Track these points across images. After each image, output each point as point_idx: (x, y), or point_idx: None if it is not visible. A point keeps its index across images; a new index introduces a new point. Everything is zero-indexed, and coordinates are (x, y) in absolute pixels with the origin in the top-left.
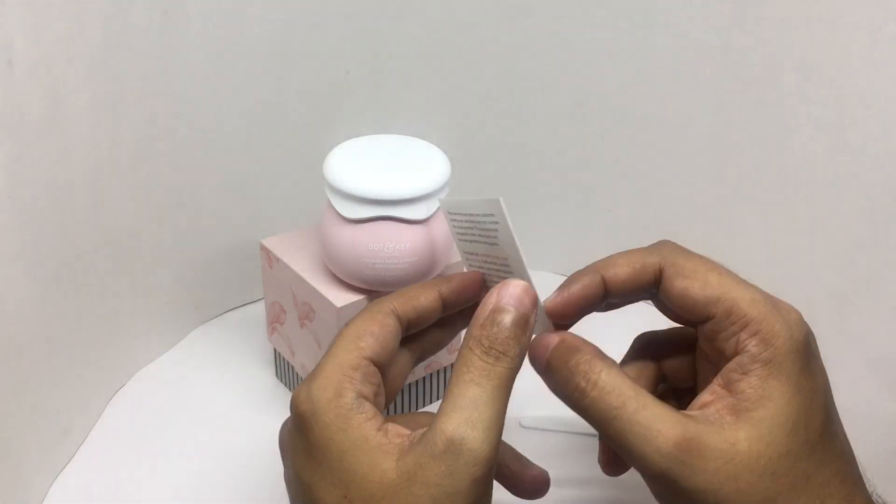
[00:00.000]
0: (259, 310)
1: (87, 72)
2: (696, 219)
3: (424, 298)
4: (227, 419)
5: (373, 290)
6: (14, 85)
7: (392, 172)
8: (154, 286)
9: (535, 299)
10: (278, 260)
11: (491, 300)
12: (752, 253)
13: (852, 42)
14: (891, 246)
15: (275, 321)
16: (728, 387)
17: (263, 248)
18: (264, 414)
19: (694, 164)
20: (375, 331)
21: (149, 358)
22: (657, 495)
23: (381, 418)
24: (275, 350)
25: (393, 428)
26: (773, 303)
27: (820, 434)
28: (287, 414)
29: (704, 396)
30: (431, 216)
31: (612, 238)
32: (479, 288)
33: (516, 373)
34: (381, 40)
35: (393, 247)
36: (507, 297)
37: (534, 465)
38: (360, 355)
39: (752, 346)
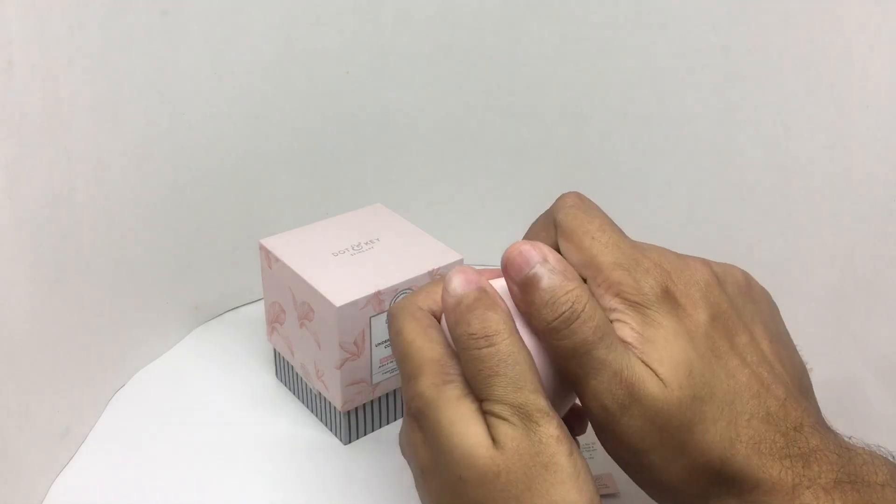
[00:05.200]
0: (259, 310)
1: (87, 72)
2: (697, 219)
3: (437, 292)
4: (227, 419)
5: None
6: (14, 85)
7: None
8: (154, 286)
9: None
10: (278, 260)
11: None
12: (753, 253)
13: (852, 42)
14: (891, 246)
15: (274, 321)
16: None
17: (263, 248)
18: (264, 414)
19: (694, 164)
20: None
21: (149, 358)
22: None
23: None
24: (274, 350)
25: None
26: (633, 263)
27: (718, 357)
28: (284, 419)
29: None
30: None
31: None
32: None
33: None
34: (380, 40)
35: None
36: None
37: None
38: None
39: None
